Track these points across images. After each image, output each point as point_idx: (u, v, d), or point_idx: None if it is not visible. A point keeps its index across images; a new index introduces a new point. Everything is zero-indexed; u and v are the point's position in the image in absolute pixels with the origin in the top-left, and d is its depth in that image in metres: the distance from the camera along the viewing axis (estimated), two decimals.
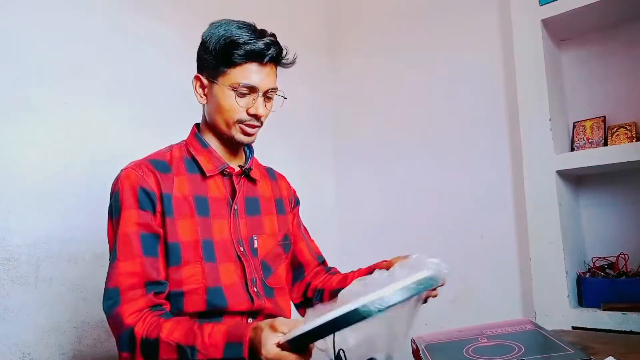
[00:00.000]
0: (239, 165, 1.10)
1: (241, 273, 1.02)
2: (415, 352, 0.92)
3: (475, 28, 1.91)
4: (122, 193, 0.96)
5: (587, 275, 1.55)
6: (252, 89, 1.00)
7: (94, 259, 1.44)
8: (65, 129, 1.44)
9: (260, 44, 0.98)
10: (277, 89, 1.06)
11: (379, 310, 0.67)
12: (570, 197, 1.65)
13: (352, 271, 1.15)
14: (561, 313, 1.51)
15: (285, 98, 1.08)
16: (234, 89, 0.99)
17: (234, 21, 1.01)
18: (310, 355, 0.76)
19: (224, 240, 1.02)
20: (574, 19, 1.60)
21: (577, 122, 1.67)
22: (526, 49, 1.65)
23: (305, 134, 2.24)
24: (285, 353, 0.74)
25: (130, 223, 0.94)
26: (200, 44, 1.04)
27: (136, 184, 0.96)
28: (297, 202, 1.26)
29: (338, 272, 1.22)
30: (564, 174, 1.59)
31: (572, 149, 1.65)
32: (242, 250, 1.03)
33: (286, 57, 1.05)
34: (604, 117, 1.61)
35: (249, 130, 1.03)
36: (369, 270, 1.06)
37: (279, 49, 1.02)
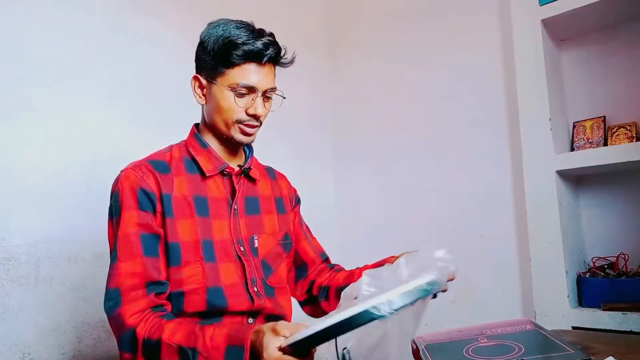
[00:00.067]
0: (239, 165, 1.10)
1: (241, 273, 1.02)
2: (415, 352, 0.92)
3: (475, 28, 1.91)
4: (122, 194, 0.96)
5: (587, 275, 1.55)
6: (251, 89, 1.00)
7: (94, 259, 1.44)
8: (65, 129, 1.44)
9: (259, 44, 0.98)
10: (275, 88, 1.05)
11: (381, 315, 0.66)
12: (570, 197, 1.65)
13: (357, 267, 1.14)
14: (561, 313, 1.51)
15: (284, 98, 1.08)
16: (232, 89, 0.99)
17: (232, 21, 1.01)
18: (312, 359, 0.76)
19: (224, 240, 1.02)
20: (574, 19, 1.60)
21: (577, 122, 1.67)
22: (526, 49, 1.65)
23: (305, 134, 2.24)
24: (287, 357, 0.73)
25: (130, 224, 0.94)
26: (199, 44, 1.04)
27: (136, 185, 0.96)
28: (297, 201, 1.26)
29: (342, 269, 1.21)
30: (564, 174, 1.59)
31: (572, 149, 1.65)
32: (242, 250, 1.03)
33: (285, 57, 1.05)
34: (604, 117, 1.61)
35: (248, 130, 1.03)
36: (376, 267, 1.06)
37: (278, 49, 1.02)
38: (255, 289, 1.02)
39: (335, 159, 2.37)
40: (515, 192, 1.75)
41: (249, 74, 0.99)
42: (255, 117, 1.02)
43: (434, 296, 0.80)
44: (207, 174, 1.04)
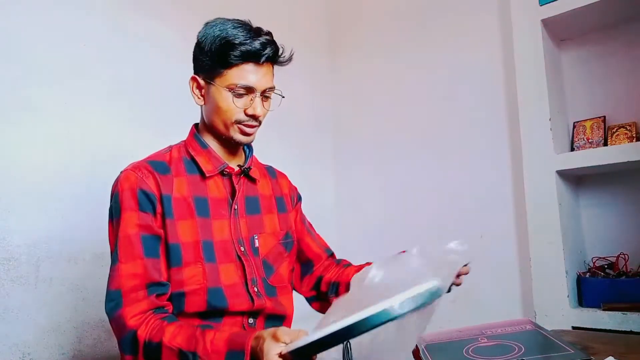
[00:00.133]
0: (239, 165, 1.10)
1: (241, 273, 1.02)
2: (415, 352, 0.92)
3: (475, 28, 1.91)
4: (122, 195, 0.96)
5: (587, 275, 1.55)
6: (250, 89, 1.00)
7: (94, 259, 1.44)
8: (65, 129, 1.44)
9: (257, 43, 0.97)
10: (274, 88, 1.05)
11: (381, 323, 0.65)
12: (570, 197, 1.65)
13: (367, 262, 1.13)
14: (561, 313, 1.51)
15: (283, 97, 1.08)
16: (231, 89, 0.99)
17: (229, 20, 1.00)
18: None
19: (224, 241, 1.02)
20: (574, 19, 1.60)
21: (577, 122, 1.67)
22: (526, 49, 1.65)
23: (305, 134, 2.24)
24: None
25: (130, 225, 0.94)
26: (196, 44, 1.03)
27: (136, 186, 0.96)
28: (299, 199, 1.25)
29: (350, 264, 1.21)
30: (564, 174, 1.59)
31: (572, 149, 1.65)
32: (242, 250, 1.03)
33: (283, 56, 1.04)
34: (604, 117, 1.61)
35: (247, 130, 1.03)
36: None
37: (275, 48, 1.01)
38: (256, 289, 1.02)
39: (335, 159, 2.37)
40: (515, 192, 1.76)
41: (247, 74, 0.98)
42: (254, 117, 1.02)
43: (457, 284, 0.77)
44: (207, 175, 1.04)
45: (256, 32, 1.00)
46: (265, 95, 1.03)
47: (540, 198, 1.58)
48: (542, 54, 1.61)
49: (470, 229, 1.85)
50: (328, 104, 2.38)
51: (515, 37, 1.69)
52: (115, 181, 1.00)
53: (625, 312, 1.39)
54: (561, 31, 1.70)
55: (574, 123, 1.68)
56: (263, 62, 0.99)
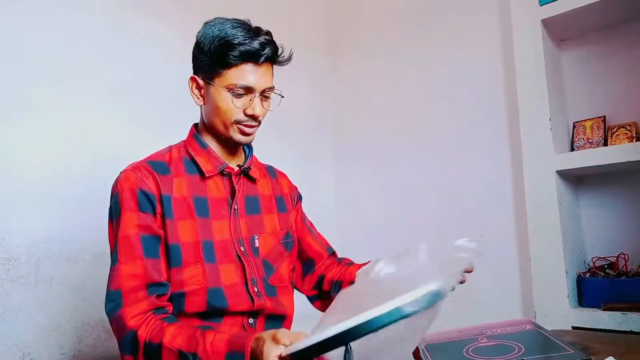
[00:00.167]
0: (238, 165, 1.10)
1: (241, 273, 1.02)
2: (415, 352, 0.92)
3: (475, 28, 1.91)
4: (122, 195, 0.96)
5: (587, 275, 1.55)
6: (249, 90, 0.99)
7: (94, 259, 1.44)
8: (65, 129, 1.44)
9: (256, 43, 0.97)
10: (274, 87, 1.05)
11: (383, 326, 0.65)
12: (570, 197, 1.65)
13: (370, 261, 1.14)
14: (561, 313, 1.51)
15: (283, 96, 1.07)
16: (230, 90, 0.98)
17: (228, 20, 1.00)
18: None
19: (224, 241, 1.02)
20: (574, 19, 1.60)
21: (577, 122, 1.67)
22: (526, 49, 1.65)
23: (305, 134, 2.24)
24: None
25: (130, 225, 0.94)
26: (195, 44, 1.03)
27: (135, 186, 0.96)
28: (299, 198, 1.25)
29: (353, 262, 1.20)
30: (564, 174, 1.59)
31: (572, 149, 1.65)
32: (242, 250, 1.03)
33: (282, 55, 1.04)
34: (604, 117, 1.61)
35: (247, 130, 1.03)
36: None
37: (275, 48, 1.01)
38: (256, 289, 1.02)
39: (335, 159, 2.37)
40: (515, 192, 1.76)
41: (246, 74, 0.98)
42: (254, 118, 1.02)
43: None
44: (207, 175, 1.04)
45: (255, 32, 0.99)
46: (264, 95, 1.03)
47: (540, 198, 1.58)
48: (542, 54, 1.61)
49: (470, 229, 1.85)
50: (328, 104, 2.38)
51: (515, 37, 1.69)
52: (115, 181, 1.00)
53: (625, 312, 1.39)
54: (561, 31, 1.70)
55: (574, 123, 1.68)
56: (262, 62, 0.99)
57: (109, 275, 0.93)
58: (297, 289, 1.21)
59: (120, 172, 1.00)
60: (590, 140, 1.61)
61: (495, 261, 1.78)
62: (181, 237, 0.97)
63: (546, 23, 1.63)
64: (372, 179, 2.21)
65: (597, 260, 1.57)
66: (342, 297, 0.82)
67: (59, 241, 1.39)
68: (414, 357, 0.92)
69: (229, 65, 0.97)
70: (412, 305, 0.64)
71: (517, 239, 1.74)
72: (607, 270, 1.52)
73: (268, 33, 1.02)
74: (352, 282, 1.09)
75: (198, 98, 1.05)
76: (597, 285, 1.50)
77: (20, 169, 1.34)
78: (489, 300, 1.77)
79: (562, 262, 1.52)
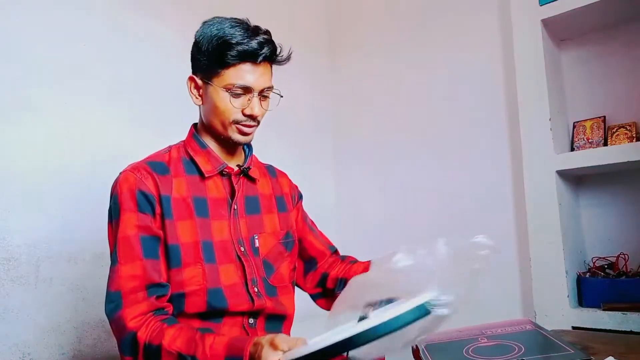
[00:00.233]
0: (238, 165, 1.10)
1: (241, 273, 1.02)
2: (415, 352, 0.92)
3: (475, 28, 1.91)
4: (121, 196, 0.96)
5: (587, 275, 1.55)
6: (247, 89, 0.99)
7: (94, 259, 1.44)
8: (65, 129, 1.44)
9: (254, 43, 0.96)
10: (272, 87, 1.04)
11: (383, 335, 0.66)
12: (570, 197, 1.65)
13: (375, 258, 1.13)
14: (561, 313, 1.51)
15: (282, 96, 1.07)
16: (228, 89, 0.98)
17: (226, 19, 0.99)
18: None
19: (224, 241, 1.02)
20: (574, 19, 1.60)
21: (577, 122, 1.67)
22: (526, 49, 1.65)
23: (305, 134, 2.24)
24: None
25: (130, 226, 0.94)
26: (194, 44, 1.02)
27: (135, 187, 0.96)
28: (300, 197, 1.25)
29: (356, 260, 1.20)
30: (564, 174, 1.59)
31: (572, 149, 1.65)
32: (242, 250, 1.03)
33: (281, 55, 1.03)
34: (604, 117, 1.61)
35: (245, 130, 1.02)
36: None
37: (273, 47, 1.01)
38: (256, 289, 1.02)
39: (335, 159, 2.37)
40: (515, 192, 1.75)
41: (245, 74, 0.98)
42: (252, 117, 1.01)
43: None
44: (206, 175, 1.03)
45: (254, 31, 0.99)
46: (263, 95, 1.02)
47: (540, 198, 1.58)
48: (542, 54, 1.61)
49: (470, 229, 1.84)
50: (328, 104, 2.38)
51: (515, 37, 1.68)
52: (114, 182, 1.00)
53: (625, 312, 1.39)
54: (561, 31, 1.70)
55: (574, 123, 1.68)
56: (260, 62, 0.99)
57: (109, 276, 0.93)
58: (300, 287, 1.21)
59: (120, 173, 1.00)
60: (590, 140, 1.61)
61: (495, 261, 1.76)
62: (181, 238, 0.97)
63: (546, 23, 1.63)
64: (372, 179, 2.21)
65: (597, 260, 1.57)
66: (356, 284, 0.82)
67: (59, 241, 1.39)
68: (414, 357, 0.92)
69: (227, 65, 0.97)
70: (411, 314, 0.67)
71: (517, 239, 1.74)
72: (607, 270, 1.52)
73: (267, 32, 1.02)
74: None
75: (197, 98, 1.04)
76: (597, 285, 1.50)
77: (20, 169, 1.34)
78: (489, 300, 1.76)
79: (562, 262, 1.52)
